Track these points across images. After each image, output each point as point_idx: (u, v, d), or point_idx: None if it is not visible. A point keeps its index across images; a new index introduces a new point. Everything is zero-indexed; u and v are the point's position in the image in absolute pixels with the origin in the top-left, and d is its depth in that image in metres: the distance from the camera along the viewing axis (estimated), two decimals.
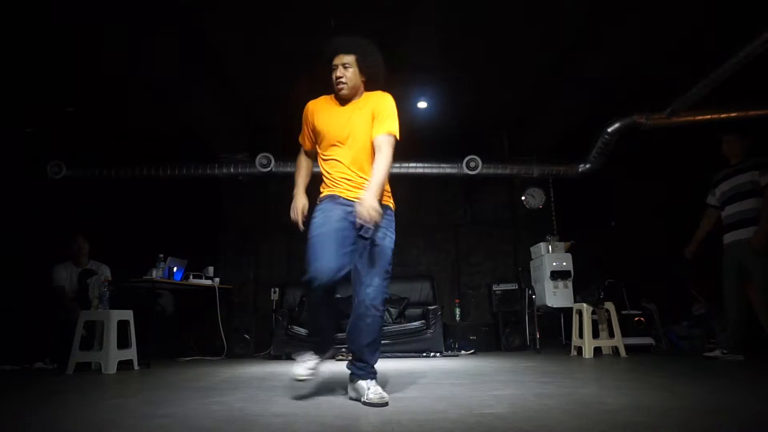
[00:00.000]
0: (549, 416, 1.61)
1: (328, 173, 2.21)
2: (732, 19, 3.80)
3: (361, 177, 2.14)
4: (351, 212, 2.05)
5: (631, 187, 5.93)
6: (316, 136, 2.25)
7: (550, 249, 5.04)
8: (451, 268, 6.02)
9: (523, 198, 6.11)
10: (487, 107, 5.72)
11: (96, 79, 4.79)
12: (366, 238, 2.06)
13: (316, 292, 1.97)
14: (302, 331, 4.88)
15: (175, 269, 4.62)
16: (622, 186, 5.89)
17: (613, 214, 5.93)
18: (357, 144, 2.15)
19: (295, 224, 2.19)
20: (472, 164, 5.58)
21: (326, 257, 1.97)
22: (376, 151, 2.09)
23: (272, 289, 5.74)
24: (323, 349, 2.20)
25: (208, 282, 5.11)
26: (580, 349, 4.31)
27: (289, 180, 6.63)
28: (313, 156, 2.37)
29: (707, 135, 4.02)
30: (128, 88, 4.93)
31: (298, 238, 6.33)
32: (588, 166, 5.56)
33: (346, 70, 2.15)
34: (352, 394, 2.11)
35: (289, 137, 5.90)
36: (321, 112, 2.24)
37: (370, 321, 2.04)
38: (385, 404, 1.90)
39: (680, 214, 5.85)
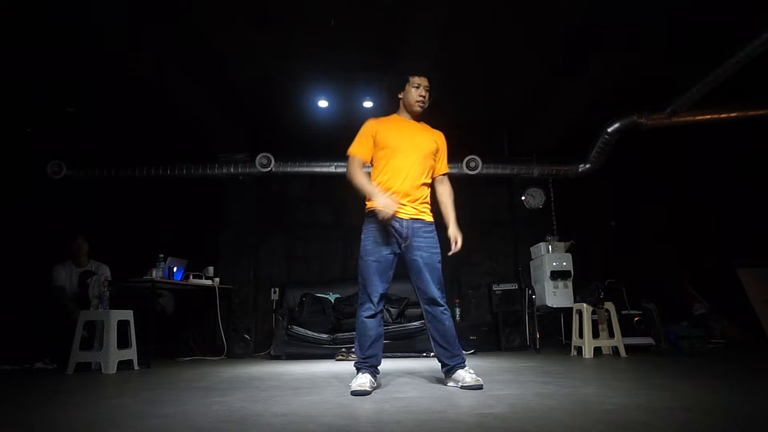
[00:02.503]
0: (549, 416, 1.61)
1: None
2: (732, 19, 3.79)
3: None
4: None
5: (631, 187, 5.93)
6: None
7: (550, 249, 5.04)
8: (451, 268, 6.01)
9: (523, 198, 6.11)
10: (487, 107, 5.72)
11: (96, 79, 4.79)
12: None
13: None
14: (302, 331, 4.89)
15: (175, 269, 4.61)
16: (622, 186, 5.89)
17: (613, 214, 5.93)
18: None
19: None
20: (472, 164, 5.58)
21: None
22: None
23: (272, 289, 5.74)
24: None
25: (208, 282, 5.11)
26: (580, 349, 4.31)
27: (289, 180, 6.62)
28: None
29: (710, 135, 4.02)
30: (128, 88, 4.93)
31: (298, 238, 6.34)
32: (588, 166, 5.56)
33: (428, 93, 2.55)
34: (450, 383, 2.42)
35: (289, 137, 5.98)
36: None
37: (448, 322, 2.41)
38: (481, 386, 2.25)
39: (680, 214, 5.87)
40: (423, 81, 2.52)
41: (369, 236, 2.45)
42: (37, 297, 4.44)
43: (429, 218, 2.54)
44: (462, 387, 2.30)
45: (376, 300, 2.40)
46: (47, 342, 4.11)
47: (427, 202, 2.56)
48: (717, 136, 5.25)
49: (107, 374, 3.44)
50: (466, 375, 2.33)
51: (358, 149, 2.51)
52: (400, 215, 2.44)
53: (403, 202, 2.45)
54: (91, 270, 4.38)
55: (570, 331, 4.69)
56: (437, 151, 2.59)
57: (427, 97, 2.54)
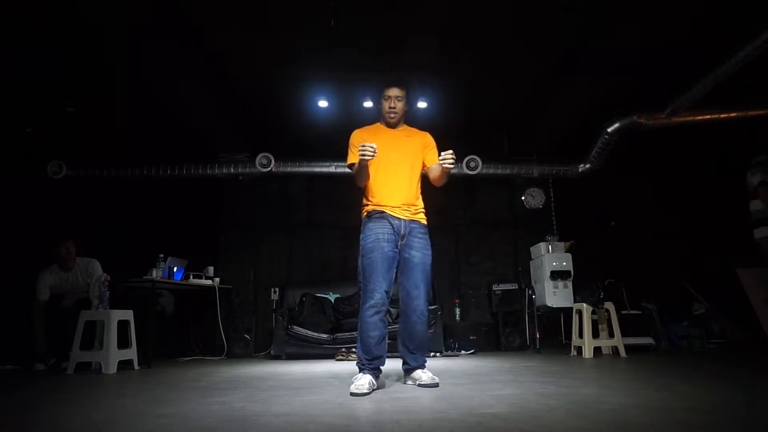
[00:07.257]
0: (549, 416, 1.61)
1: None
2: (732, 19, 3.79)
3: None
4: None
5: (631, 187, 5.93)
6: None
7: (550, 249, 5.04)
8: (451, 268, 6.01)
9: (523, 198, 6.11)
10: (487, 107, 5.71)
11: (96, 79, 4.79)
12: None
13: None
14: (302, 331, 4.89)
15: (175, 269, 4.61)
16: (622, 186, 5.88)
17: (613, 214, 5.93)
18: None
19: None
20: (472, 164, 5.58)
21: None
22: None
23: (272, 289, 5.74)
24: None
25: (208, 282, 5.11)
26: (580, 349, 4.31)
27: (289, 180, 6.66)
28: None
29: (710, 135, 4.03)
30: (128, 88, 4.93)
31: (298, 237, 6.34)
32: (588, 166, 5.56)
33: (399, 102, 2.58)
34: (409, 381, 2.50)
35: (289, 137, 5.97)
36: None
37: (421, 327, 2.46)
38: (437, 385, 2.34)
39: (680, 214, 5.87)
40: (393, 92, 2.55)
41: (369, 235, 2.46)
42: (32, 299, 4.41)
43: (424, 221, 2.59)
44: (419, 385, 2.38)
45: (379, 297, 2.37)
46: (42, 341, 4.10)
47: (420, 205, 2.60)
48: (717, 136, 5.25)
49: (107, 374, 3.44)
50: (422, 374, 2.42)
51: (354, 158, 2.53)
52: (396, 215, 2.47)
53: (397, 205, 2.49)
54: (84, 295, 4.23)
55: (570, 331, 4.69)
56: (423, 149, 2.63)
57: (398, 107, 2.57)
